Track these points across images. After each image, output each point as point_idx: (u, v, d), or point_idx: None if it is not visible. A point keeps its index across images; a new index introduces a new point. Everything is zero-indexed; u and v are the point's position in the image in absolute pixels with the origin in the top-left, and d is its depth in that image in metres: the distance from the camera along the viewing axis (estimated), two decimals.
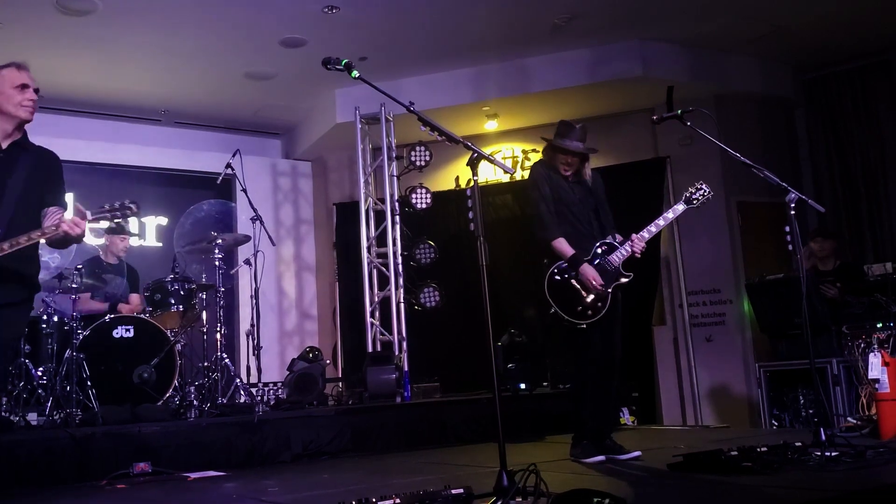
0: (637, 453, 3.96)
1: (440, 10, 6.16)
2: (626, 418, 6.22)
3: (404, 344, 6.77)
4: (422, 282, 6.89)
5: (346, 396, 6.71)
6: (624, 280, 4.07)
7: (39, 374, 5.11)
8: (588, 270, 3.98)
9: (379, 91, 3.25)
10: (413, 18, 6.31)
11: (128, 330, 5.39)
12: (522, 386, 6.28)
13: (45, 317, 5.33)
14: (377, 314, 7.03)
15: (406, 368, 6.52)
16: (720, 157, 6.95)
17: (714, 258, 7.35)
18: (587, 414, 4.08)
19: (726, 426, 4.18)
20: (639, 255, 4.09)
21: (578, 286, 4.00)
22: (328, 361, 6.98)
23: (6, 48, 6.09)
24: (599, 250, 4.09)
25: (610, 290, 4.00)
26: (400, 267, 6.90)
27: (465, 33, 6.64)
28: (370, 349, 6.79)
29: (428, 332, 7.19)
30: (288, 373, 6.25)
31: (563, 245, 4.04)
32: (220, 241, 5.91)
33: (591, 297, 3.98)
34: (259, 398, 5.55)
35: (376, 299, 7.03)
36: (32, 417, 4.92)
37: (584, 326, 3.98)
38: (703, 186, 4.30)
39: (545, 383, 6.71)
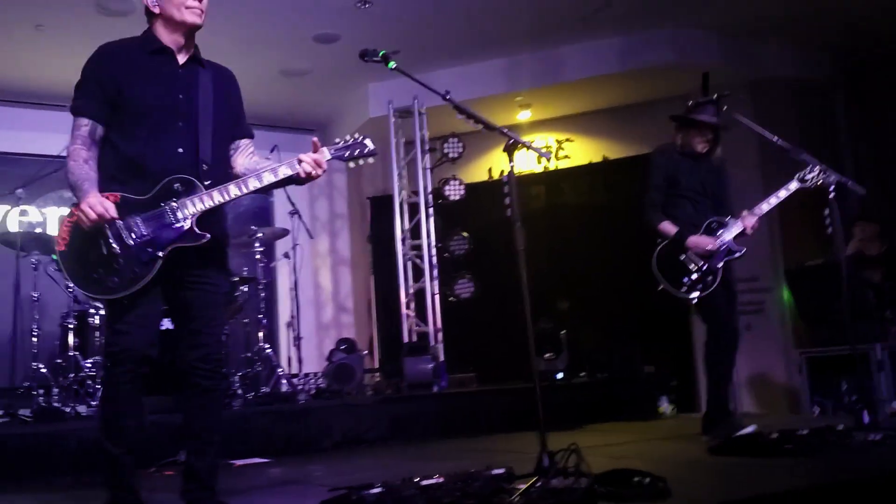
0: (753, 427, 4.02)
1: (471, 2, 6.17)
2: (665, 407, 6.21)
3: (440, 335, 6.82)
4: (456, 273, 6.93)
5: (383, 386, 6.79)
6: (736, 255, 4.14)
7: (88, 365, 5.25)
8: (694, 238, 4.13)
9: (415, 81, 3.28)
10: (445, 10, 6.34)
11: (165, 323, 5.51)
12: (559, 376, 6.30)
13: (92, 309, 5.46)
14: (412, 306, 7.09)
15: (442, 358, 6.57)
16: (757, 143, 6.88)
17: (752, 246, 7.27)
18: (725, 389, 4.16)
19: (766, 413, 4.18)
20: (750, 233, 4.20)
21: (686, 261, 4.06)
22: (365, 352, 7.06)
23: (48, 50, 6.26)
24: (713, 225, 4.22)
25: (720, 266, 4.09)
26: (434, 259, 6.95)
27: (497, 24, 6.65)
28: (406, 340, 6.86)
29: (463, 322, 7.24)
30: (327, 363, 6.35)
31: (666, 226, 4.23)
32: (259, 235, 6.02)
33: (700, 271, 4.06)
34: (300, 387, 5.65)
35: (411, 291, 7.09)
36: (83, 409, 5.05)
37: (695, 301, 4.07)
38: (823, 171, 4.19)
39: (582, 373, 6.72)
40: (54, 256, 2.73)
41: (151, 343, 2.69)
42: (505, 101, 7.66)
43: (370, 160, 2.83)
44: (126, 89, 2.66)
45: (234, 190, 2.66)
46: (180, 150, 2.68)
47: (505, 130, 3.10)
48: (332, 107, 8.40)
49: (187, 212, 2.62)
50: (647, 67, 7.09)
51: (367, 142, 2.81)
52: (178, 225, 2.61)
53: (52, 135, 6.51)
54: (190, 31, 2.76)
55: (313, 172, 2.69)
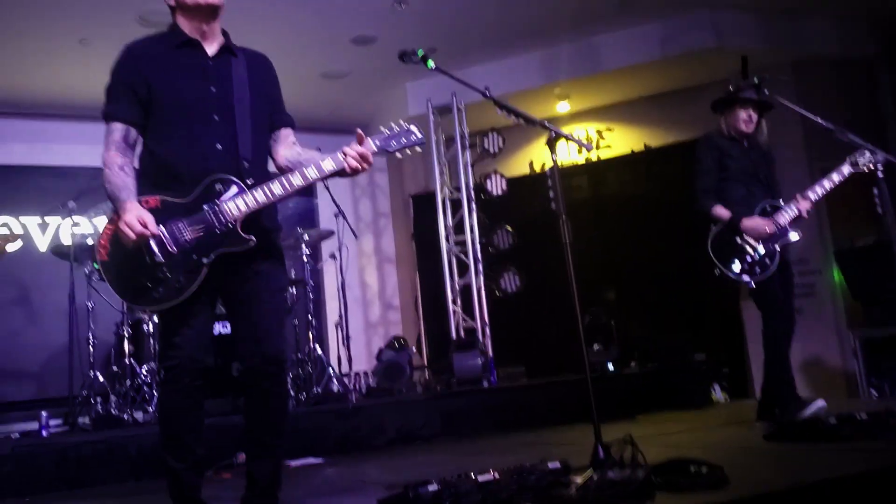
0: (821, 402, 4.00)
1: None
2: (718, 394, 6.14)
3: (487, 329, 6.84)
4: (501, 267, 6.94)
5: (433, 383, 6.82)
6: (793, 239, 4.12)
7: (144, 372, 5.37)
8: (750, 220, 4.13)
9: (455, 80, 3.31)
10: (480, 6, 6.34)
11: (225, 326, 5.61)
12: (610, 367, 6.27)
13: (145, 316, 5.58)
14: (459, 301, 7.11)
15: (490, 353, 6.58)
16: (801, 123, 6.75)
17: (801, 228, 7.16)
18: (789, 374, 4.14)
19: (822, 398, 4.12)
20: (806, 217, 4.19)
21: (742, 244, 4.06)
22: (414, 350, 7.10)
23: (91, 63, 6.38)
24: (767, 209, 4.21)
25: (778, 248, 4.07)
26: (479, 254, 6.97)
27: (532, 16, 6.62)
28: (454, 336, 6.88)
29: (510, 316, 7.24)
30: (376, 362, 6.40)
31: (719, 210, 4.23)
32: (306, 237, 6.10)
33: (757, 254, 4.04)
34: (351, 387, 5.71)
35: (457, 287, 7.11)
36: (140, 416, 5.17)
37: (754, 285, 4.06)
38: (872, 152, 4.16)
39: (632, 363, 6.68)
40: (96, 265, 2.73)
41: (206, 354, 2.63)
42: (543, 94, 7.62)
43: (417, 149, 2.69)
44: (157, 87, 2.59)
45: (277, 188, 2.56)
46: (218, 145, 2.59)
47: (546, 123, 3.11)
48: (371, 107, 8.44)
49: (231, 214, 2.53)
50: (685, 53, 6.98)
51: (413, 128, 2.68)
52: (222, 229, 2.53)
53: (101, 146, 6.71)
54: (208, 14, 2.64)
55: (359, 167, 2.58)
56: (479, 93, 3.36)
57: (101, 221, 7.49)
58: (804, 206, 4.16)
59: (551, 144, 3.09)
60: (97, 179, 5.50)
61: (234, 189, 2.56)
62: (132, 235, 2.45)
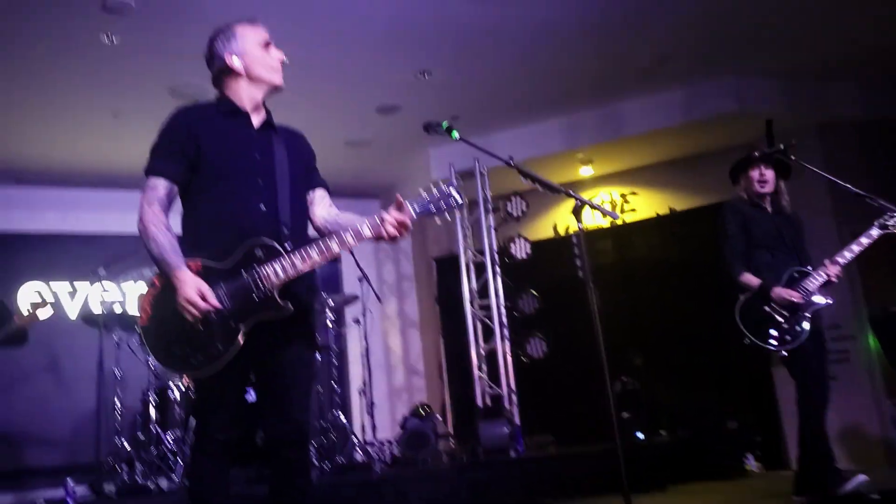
0: (862, 477, 3.89)
1: (529, 65, 6.25)
2: (752, 464, 5.98)
3: (514, 397, 6.74)
4: (527, 332, 6.88)
5: (459, 452, 6.71)
6: (822, 304, 4.06)
7: (170, 439, 5.35)
8: (780, 290, 4.09)
9: (479, 149, 3.34)
10: (503, 76, 6.43)
11: (248, 393, 5.59)
12: (640, 435, 6.14)
13: (171, 383, 5.59)
14: (484, 367, 7.04)
15: (517, 421, 6.48)
16: (828, 187, 6.70)
17: (832, 293, 7.05)
18: (826, 445, 4.05)
19: (862, 470, 3.98)
20: (835, 281, 4.14)
21: (772, 312, 4.01)
22: (439, 418, 7.01)
23: (125, 135, 6.56)
24: (795, 275, 4.18)
25: (808, 316, 4.02)
26: (504, 318, 6.92)
27: (555, 85, 6.71)
28: (479, 403, 6.79)
29: (537, 383, 7.14)
30: (400, 430, 6.33)
31: (748, 278, 4.20)
32: (330, 302, 6.10)
33: (787, 323, 4.00)
34: (375, 456, 5.63)
35: (482, 352, 7.05)
36: (165, 484, 5.13)
37: (786, 354, 4.01)
38: None
39: (662, 431, 6.53)
40: (137, 329, 2.70)
41: (237, 424, 2.61)
42: (566, 158, 7.66)
43: (453, 211, 2.63)
44: (205, 148, 2.63)
45: (315, 254, 2.55)
46: (262, 206, 2.61)
47: (571, 192, 3.11)
48: (394, 172, 8.54)
49: (270, 281, 2.52)
50: (708, 118, 7.00)
51: (453, 191, 2.59)
52: (260, 296, 2.51)
53: (132, 215, 6.83)
54: (270, 91, 2.78)
55: (398, 234, 2.56)
56: (502, 161, 3.39)
57: (131, 287, 7.64)
58: (833, 270, 4.11)
59: (577, 212, 3.09)
60: (127, 246, 5.67)
61: (273, 255, 2.55)
62: (196, 313, 2.44)
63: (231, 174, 2.64)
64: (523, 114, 7.28)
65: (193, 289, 2.44)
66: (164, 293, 2.53)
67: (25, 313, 5.03)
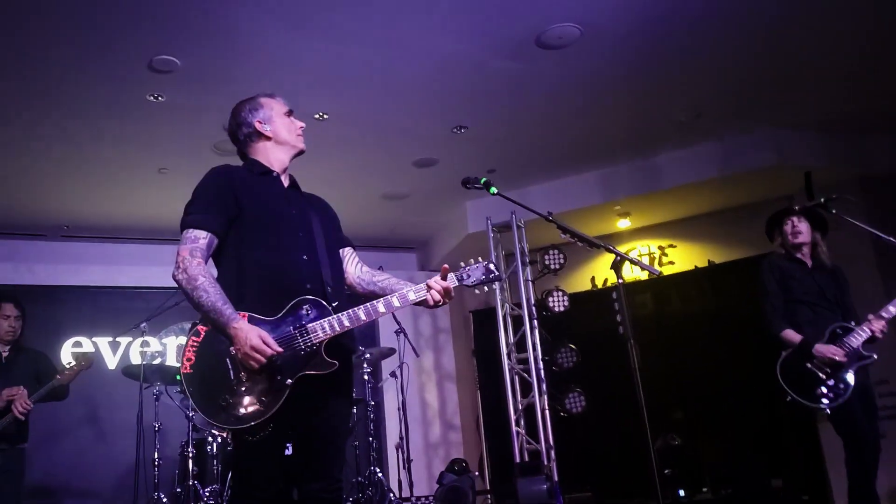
0: None
1: (565, 118, 6.30)
2: None
3: (552, 452, 6.63)
4: (565, 386, 6.79)
5: None
6: (866, 361, 4.01)
7: (207, 494, 5.34)
8: (823, 347, 4.03)
9: (516, 203, 3.36)
10: (539, 130, 6.48)
11: (287, 448, 5.58)
12: (682, 493, 5.99)
13: (209, 437, 5.60)
14: (522, 422, 6.95)
15: (556, 478, 6.36)
16: (872, 241, 6.60)
17: (879, 348, 6.88)
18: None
19: None
20: (880, 336, 4.08)
21: (814, 369, 3.95)
22: (476, 473, 6.92)
23: (170, 190, 6.72)
24: (838, 331, 4.12)
25: (852, 374, 3.96)
26: (542, 372, 6.84)
27: (591, 138, 6.74)
28: (517, 459, 6.68)
29: (575, 438, 7.02)
30: (437, 486, 6.25)
31: (790, 335, 4.15)
32: (367, 355, 6.11)
33: (830, 380, 3.94)
34: None
35: (520, 406, 6.97)
36: None
37: (829, 412, 3.94)
38: None
39: (705, 489, 6.37)
40: (178, 377, 2.70)
41: (276, 480, 2.57)
42: (603, 211, 7.66)
43: (492, 285, 2.81)
44: (244, 202, 2.69)
45: (363, 316, 2.62)
46: (305, 257, 2.69)
47: (611, 248, 3.11)
48: (431, 225, 8.60)
49: (317, 337, 2.56)
50: (747, 170, 6.95)
51: (492, 266, 2.80)
52: (307, 351, 2.54)
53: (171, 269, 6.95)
54: (295, 154, 2.97)
55: (442, 300, 2.69)
56: (541, 216, 3.40)
57: (171, 341, 7.73)
58: (878, 326, 4.03)
59: (617, 267, 3.09)
60: (168, 300, 5.74)
61: (321, 311, 2.60)
62: (263, 360, 2.46)
63: (273, 226, 2.70)
64: (560, 166, 7.32)
65: (257, 336, 2.46)
66: (208, 342, 2.55)
67: (68, 370, 5.09)
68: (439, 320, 9.10)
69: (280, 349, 2.49)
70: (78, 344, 7.45)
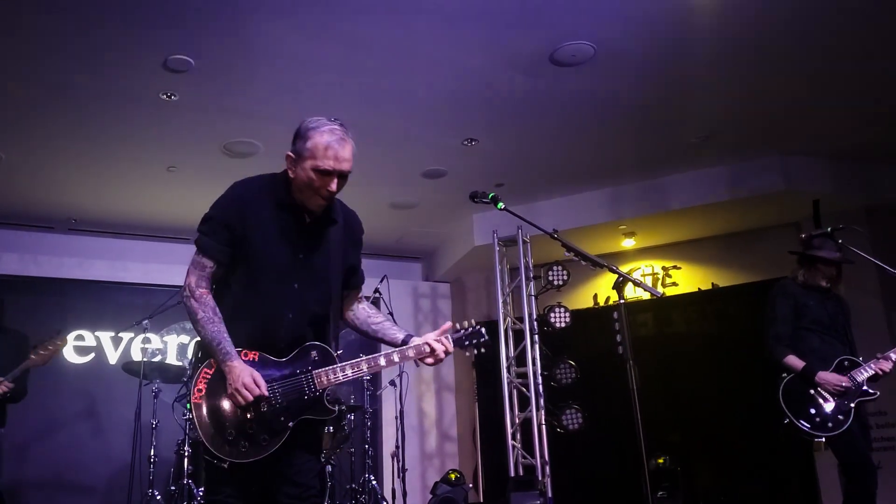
0: None
1: (574, 136, 6.32)
2: None
3: (547, 468, 6.62)
4: (563, 402, 6.78)
5: None
6: (868, 398, 4.06)
7: (201, 494, 5.34)
8: (828, 375, 4.07)
9: (522, 220, 3.38)
10: (548, 147, 6.50)
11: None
12: None
13: None
14: (518, 436, 6.94)
15: (550, 494, 6.35)
16: (876, 272, 6.60)
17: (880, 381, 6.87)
18: None
19: None
20: (882, 376, 4.13)
21: (816, 395, 4.04)
22: (470, 486, 6.91)
23: (178, 189, 6.75)
24: (845, 364, 4.16)
25: (853, 406, 3.98)
26: (541, 387, 6.83)
27: (599, 157, 6.76)
28: (512, 473, 6.67)
29: (571, 455, 7.01)
30: (431, 496, 6.25)
31: (792, 360, 4.19)
32: None
33: (832, 407, 3.97)
34: None
35: (517, 420, 6.96)
36: None
37: (823, 439, 3.98)
38: None
39: None
40: (188, 406, 2.76)
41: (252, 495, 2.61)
42: (609, 229, 7.67)
43: (483, 350, 2.86)
44: (251, 239, 2.64)
45: (364, 367, 2.70)
46: (290, 315, 2.66)
47: (614, 268, 3.12)
48: (438, 236, 8.62)
49: (321, 384, 2.63)
50: (754, 195, 6.95)
51: (483, 331, 2.86)
52: (310, 395, 2.62)
53: (181, 267, 6.92)
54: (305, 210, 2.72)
55: (440, 359, 2.75)
56: (547, 234, 3.42)
57: (172, 339, 7.72)
58: (885, 366, 4.11)
59: (619, 287, 3.10)
60: (171, 299, 5.76)
61: (326, 359, 2.66)
62: (249, 398, 2.52)
63: (270, 272, 2.66)
64: (567, 183, 7.34)
65: (249, 376, 2.54)
66: (220, 375, 2.60)
67: (43, 350, 4.94)
68: None
69: (265, 392, 2.54)
70: (80, 337, 7.48)
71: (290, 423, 2.58)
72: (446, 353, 2.75)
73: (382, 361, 2.71)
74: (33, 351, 4.98)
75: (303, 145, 2.64)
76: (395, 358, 2.73)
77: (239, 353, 2.59)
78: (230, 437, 2.54)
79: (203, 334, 2.62)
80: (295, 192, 2.69)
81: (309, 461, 2.68)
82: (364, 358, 2.70)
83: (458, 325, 2.84)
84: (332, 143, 2.63)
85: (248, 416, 2.55)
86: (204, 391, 2.60)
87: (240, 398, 2.52)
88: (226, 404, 2.58)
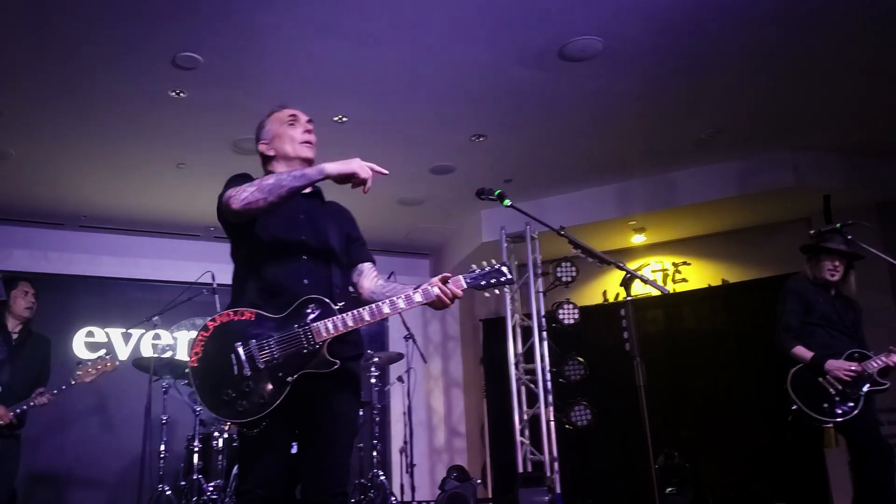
0: None
1: (583, 132, 6.30)
2: None
3: (556, 464, 6.61)
4: (572, 399, 6.78)
5: None
6: (879, 388, 4.09)
7: (211, 489, 5.37)
8: (835, 361, 4.12)
9: (529, 217, 3.38)
10: (557, 142, 6.48)
11: (292, 447, 5.60)
12: None
13: (216, 432, 5.63)
14: (527, 432, 6.94)
15: (559, 490, 6.35)
16: (886, 268, 6.55)
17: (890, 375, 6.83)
18: None
19: None
20: (895, 366, 4.14)
21: (825, 384, 4.09)
22: (479, 481, 6.91)
23: (188, 185, 6.78)
24: (856, 355, 4.20)
25: (863, 393, 4.00)
26: (549, 384, 6.83)
27: (608, 152, 6.74)
28: (520, 469, 6.68)
29: (580, 451, 7.00)
30: (439, 492, 6.25)
31: (801, 351, 4.24)
32: (375, 359, 6.13)
33: (841, 395, 4.00)
34: None
35: (525, 417, 6.96)
36: None
37: (831, 425, 4.01)
38: None
39: None
40: (188, 370, 2.76)
41: (279, 483, 2.60)
42: (618, 225, 7.65)
43: (506, 289, 2.71)
44: (258, 224, 2.72)
45: (367, 316, 2.61)
46: (305, 280, 2.69)
47: (621, 265, 3.12)
48: (445, 232, 8.62)
49: (319, 336, 2.58)
50: (764, 190, 6.91)
51: (504, 269, 2.71)
52: (309, 349, 2.57)
53: (191, 263, 6.99)
54: (305, 164, 2.84)
55: (447, 302, 2.65)
56: (553, 231, 3.42)
57: (182, 335, 7.76)
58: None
59: (627, 284, 3.10)
60: (181, 295, 5.79)
61: (325, 311, 2.62)
62: (369, 173, 2.72)
63: (277, 247, 2.72)
64: (576, 179, 7.32)
65: (357, 160, 2.71)
66: (215, 337, 2.60)
67: (91, 368, 5.15)
68: (449, 327, 9.12)
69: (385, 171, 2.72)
70: (90, 334, 7.52)
71: (290, 379, 2.55)
72: (454, 295, 2.65)
73: (386, 308, 2.63)
74: (79, 368, 5.18)
75: (265, 129, 2.94)
76: (401, 304, 2.64)
77: (235, 313, 2.61)
78: (227, 396, 2.53)
79: (272, 188, 2.60)
80: (284, 169, 2.81)
81: (347, 405, 2.71)
82: (366, 307, 2.63)
83: (474, 266, 2.71)
84: (285, 105, 2.98)
85: (246, 374, 2.53)
86: (201, 354, 2.59)
87: (363, 173, 2.71)
88: (224, 365, 2.55)
